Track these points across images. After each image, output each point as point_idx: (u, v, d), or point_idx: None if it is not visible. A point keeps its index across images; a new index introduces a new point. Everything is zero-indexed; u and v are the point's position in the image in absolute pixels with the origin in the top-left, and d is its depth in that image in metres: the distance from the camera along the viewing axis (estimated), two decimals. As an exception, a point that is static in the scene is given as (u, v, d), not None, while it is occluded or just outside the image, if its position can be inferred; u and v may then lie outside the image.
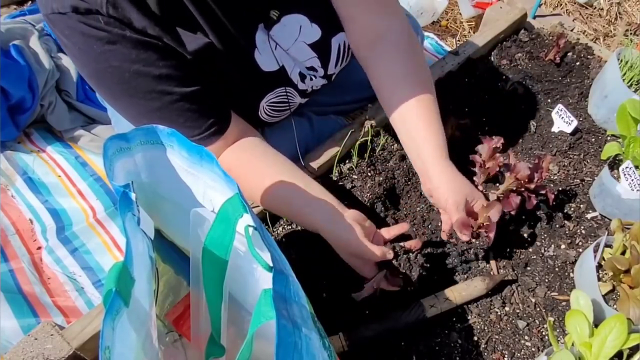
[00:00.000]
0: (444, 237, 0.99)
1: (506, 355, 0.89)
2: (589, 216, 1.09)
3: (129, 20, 0.76)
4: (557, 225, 1.07)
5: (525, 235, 1.05)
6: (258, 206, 1.02)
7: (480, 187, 1.03)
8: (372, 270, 0.90)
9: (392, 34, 0.97)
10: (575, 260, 1.00)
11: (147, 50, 0.79)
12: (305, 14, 0.96)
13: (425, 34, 1.95)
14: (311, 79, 1.06)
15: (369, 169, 1.11)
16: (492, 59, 1.40)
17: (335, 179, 1.10)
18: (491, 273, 0.98)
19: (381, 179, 1.09)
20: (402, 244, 0.92)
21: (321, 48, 1.01)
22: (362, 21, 0.97)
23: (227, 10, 0.86)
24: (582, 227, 1.07)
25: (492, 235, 0.90)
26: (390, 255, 0.86)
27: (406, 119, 0.95)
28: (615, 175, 1.04)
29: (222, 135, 0.90)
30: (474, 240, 0.95)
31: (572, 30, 1.50)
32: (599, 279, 0.91)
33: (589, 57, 1.41)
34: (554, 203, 1.06)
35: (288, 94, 1.03)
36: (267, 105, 1.01)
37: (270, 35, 0.93)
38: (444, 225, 0.99)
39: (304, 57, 1.01)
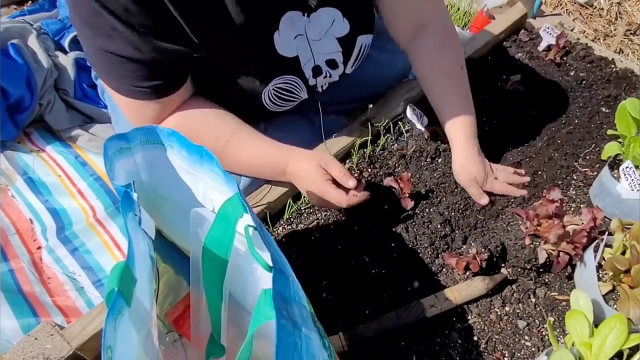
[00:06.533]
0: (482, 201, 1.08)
1: (506, 355, 0.89)
2: (588, 216, 1.09)
3: None
4: (557, 225, 1.07)
5: (525, 235, 1.05)
6: (258, 206, 1.02)
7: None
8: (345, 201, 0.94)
9: (430, 26, 1.08)
10: (575, 260, 1.00)
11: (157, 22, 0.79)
12: (340, 9, 0.99)
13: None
14: (325, 76, 1.07)
15: (369, 168, 1.11)
16: (492, 59, 1.40)
17: (335, 178, 1.10)
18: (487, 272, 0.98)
19: (381, 179, 1.09)
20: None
21: (347, 44, 1.05)
22: (405, 15, 1.08)
23: None
24: (582, 227, 1.07)
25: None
26: (354, 200, 0.93)
27: (441, 102, 1.09)
28: (615, 175, 1.04)
29: (162, 97, 0.90)
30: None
31: (572, 30, 1.50)
32: (599, 279, 0.91)
33: (589, 57, 1.41)
34: (554, 203, 1.05)
35: (296, 84, 1.04)
36: (274, 89, 1.01)
37: (308, 21, 0.96)
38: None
39: (329, 49, 1.03)
